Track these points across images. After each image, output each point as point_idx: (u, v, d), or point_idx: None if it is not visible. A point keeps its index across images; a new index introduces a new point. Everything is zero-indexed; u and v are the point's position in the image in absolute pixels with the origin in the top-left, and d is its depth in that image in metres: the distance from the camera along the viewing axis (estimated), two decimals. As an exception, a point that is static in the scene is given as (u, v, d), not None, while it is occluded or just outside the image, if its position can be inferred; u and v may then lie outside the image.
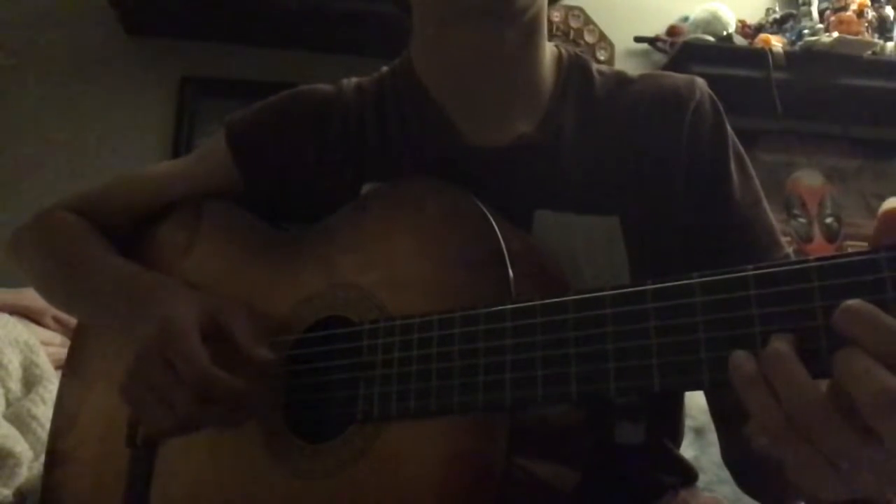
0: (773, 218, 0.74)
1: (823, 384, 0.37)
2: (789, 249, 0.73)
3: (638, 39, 2.25)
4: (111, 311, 0.73)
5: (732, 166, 0.73)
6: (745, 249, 0.70)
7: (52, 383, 1.20)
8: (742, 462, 0.70)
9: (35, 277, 0.83)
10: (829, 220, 2.34)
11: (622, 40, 2.24)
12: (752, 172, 0.75)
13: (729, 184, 0.72)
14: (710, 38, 2.16)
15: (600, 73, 0.78)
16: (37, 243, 0.82)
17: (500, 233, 0.56)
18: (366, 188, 0.74)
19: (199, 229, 0.78)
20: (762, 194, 0.74)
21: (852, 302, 0.35)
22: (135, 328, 0.66)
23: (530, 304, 0.49)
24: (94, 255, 0.77)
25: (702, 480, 0.79)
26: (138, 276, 0.73)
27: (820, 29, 2.20)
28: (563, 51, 0.79)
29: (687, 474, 0.76)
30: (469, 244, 0.58)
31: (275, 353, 0.62)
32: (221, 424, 0.62)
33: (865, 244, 0.37)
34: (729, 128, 0.75)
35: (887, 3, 2.34)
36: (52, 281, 0.82)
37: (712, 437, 0.78)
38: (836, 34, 2.13)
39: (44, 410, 1.12)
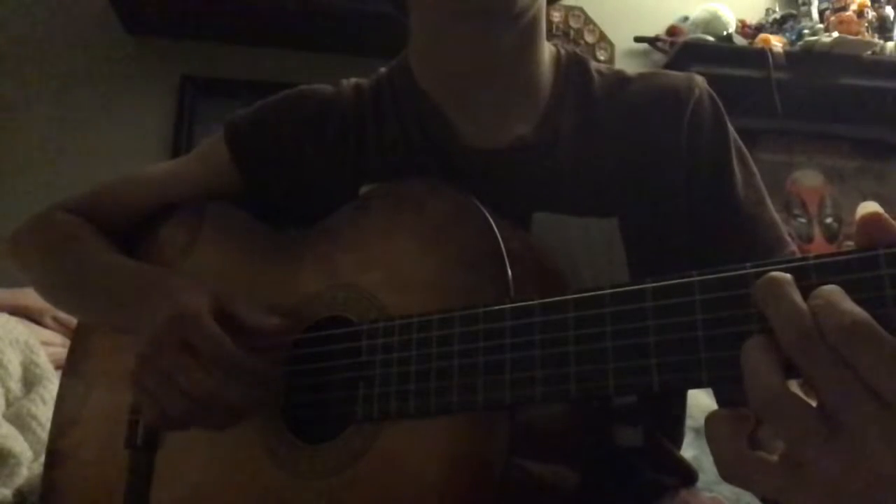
0: (778, 215, 0.74)
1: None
2: (794, 247, 0.73)
3: (638, 39, 2.25)
4: (114, 308, 0.72)
5: (734, 164, 0.73)
6: (749, 247, 0.70)
7: (52, 383, 1.20)
8: None
9: (35, 279, 0.83)
10: (829, 220, 2.34)
11: (622, 40, 2.25)
12: (755, 169, 0.75)
13: (732, 181, 0.72)
14: (710, 38, 2.17)
15: (599, 72, 0.77)
16: (36, 244, 0.82)
17: (500, 233, 0.56)
18: (365, 188, 0.74)
19: (200, 231, 0.78)
20: (765, 191, 0.74)
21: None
22: (142, 320, 0.65)
23: (529, 303, 0.48)
24: (95, 255, 0.77)
25: (702, 480, 0.79)
26: (142, 271, 0.72)
27: (820, 29, 2.20)
28: (561, 50, 0.79)
29: (687, 475, 0.76)
30: (468, 245, 0.58)
31: (285, 322, 0.63)
32: (228, 414, 0.61)
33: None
34: (730, 125, 0.75)
35: (887, 3, 2.34)
36: (53, 282, 0.81)
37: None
38: (836, 34, 2.13)
39: (44, 410, 1.12)
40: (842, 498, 0.34)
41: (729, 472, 0.37)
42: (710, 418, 0.38)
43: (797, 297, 0.35)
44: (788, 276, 0.36)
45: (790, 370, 0.35)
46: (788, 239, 0.73)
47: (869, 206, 0.37)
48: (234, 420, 0.61)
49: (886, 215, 0.37)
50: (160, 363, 0.60)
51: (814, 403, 0.35)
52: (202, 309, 0.61)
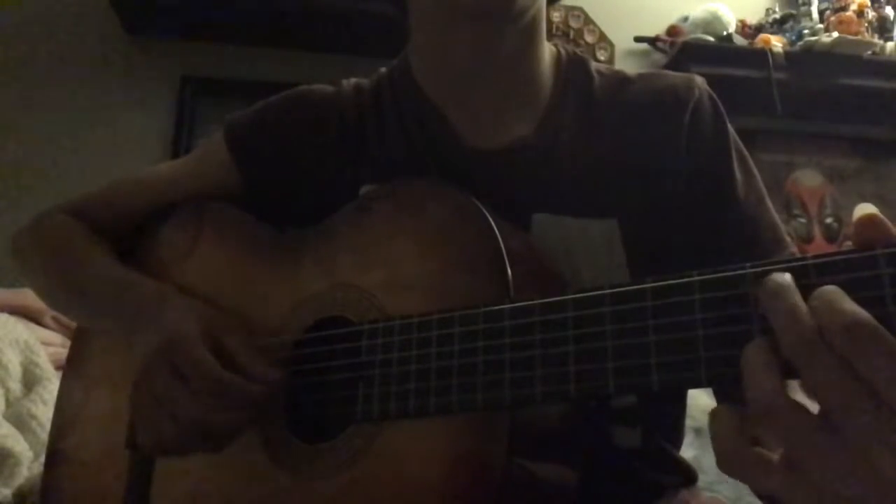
0: (778, 216, 0.74)
1: None
2: (794, 248, 0.73)
3: (638, 39, 2.25)
4: (111, 317, 0.73)
5: (735, 165, 0.73)
6: (749, 248, 0.70)
7: (52, 383, 1.20)
8: None
9: (35, 281, 0.83)
10: (829, 220, 2.34)
11: (622, 40, 2.25)
12: (755, 170, 0.75)
13: (732, 182, 0.72)
14: (710, 38, 2.17)
15: (599, 72, 0.77)
16: (37, 247, 0.82)
17: (500, 233, 0.56)
18: (365, 189, 0.74)
19: (201, 231, 0.78)
20: (765, 192, 0.74)
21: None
22: (134, 335, 0.66)
23: (529, 303, 0.48)
24: (94, 261, 0.77)
25: (702, 480, 0.79)
26: (138, 285, 0.72)
27: (820, 29, 2.20)
28: (561, 50, 0.79)
29: (687, 475, 0.76)
30: (469, 246, 0.58)
31: (279, 373, 0.62)
32: (221, 438, 0.61)
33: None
34: (729, 126, 0.75)
35: (887, 3, 2.34)
36: (52, 285, 0.81)
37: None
38: (836, 34, 2.13)
39: (44, 410, 1.12)
40: (841, 501, 0.34)
41: (728, 467, 0.37)
42: (715, 412, 0.38)
43: (798, 299, 0.35)
44: (789, 278, 0.36)
45: (791, 372, 0.35)
46: (788, 240, 0.72)
47: (865, 209, 0.37)
48: (230, 442, 0.61)
49: (882, 216, 0.37)
50: (153, 389, 0.60)
51: (815, 406, 0.35)
52: (194, 335, 0.61)
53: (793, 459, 0.35)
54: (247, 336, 0.65)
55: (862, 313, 0.33)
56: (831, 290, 0.35)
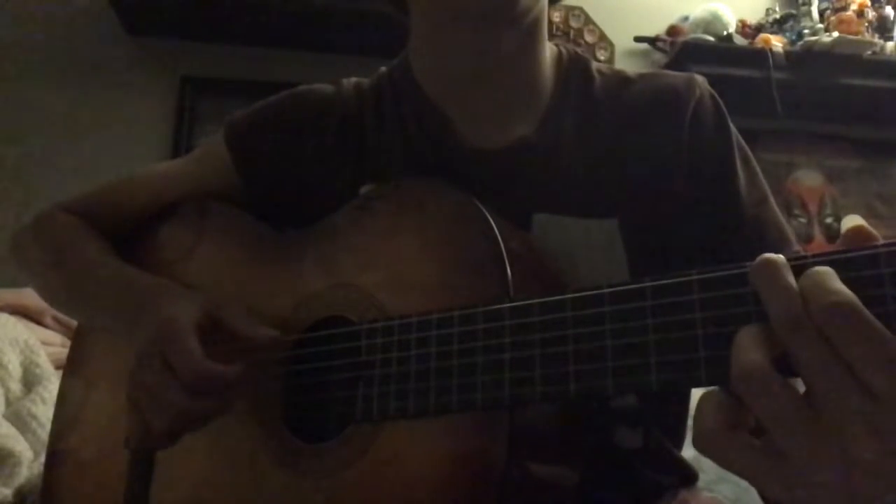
0: (781, 215, 0.74)
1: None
2: (799, 247, 0.72)
3: (638, 39, 2.25)
4: (111, 315, 0.73)
5: (737, 164, 0.72)
6: (754, 248, 0.69)
7: (52, 383, 1.20)
8: None
9: (36, 280, 0.83)
10: (829, 220, 2.34)
11: (622, 40, 2.25)
12: (758, 169, 0.74)
13: (735, 182, 0.72)
14: (710, 38, 2.17)
15: (600, 72, 0.77)
16: (37, 245, 0.82)
17: (500, 233, 0.56)
18: (365, 189, 0.74)
19: (202, 231, 0.78)
20: (769, 191, 0.74)
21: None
22: (135, 332, 0.66)
23: (528, 302, 0.48)
24: (95, 259, 0.77)
25: (702, 480, 0.79)
26: (138, 281, 0.72)
27: (820, 29, 2.21)
28: (562, 50, 0.78)
29: (687, 475, 0.76)
30: (469, 246, 0.58)
31: (275, 332, 0.62)
32: (215, 415, 0.61)
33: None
34: (732, 125, 0.74)
35: (887, 3, 2.34)
36: (53, 284, 0.81)
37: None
38: (836, 34, 2.13)
39: (44, 410, 1.12)
40: (817, 488, 0.33)
41: (703, 444, 0.37)
42: (706, 394, 0.38)
43: (790, 278, 0.35)
44: (782, 258, 0.36)
45: (787, 367, 0.35)
46: (793, 239, 0.72)
47: (853, 220, 0.37)
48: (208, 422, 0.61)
49: (870, 228, 0.37)
50: (145, 380, 0.60)
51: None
52: (184, 324, 0.60)
53: (775, 440, 0.34)
54: (245, 310, 0.65)
55: (846, 293, 0.33)
56: (820, 270, 0.35)
